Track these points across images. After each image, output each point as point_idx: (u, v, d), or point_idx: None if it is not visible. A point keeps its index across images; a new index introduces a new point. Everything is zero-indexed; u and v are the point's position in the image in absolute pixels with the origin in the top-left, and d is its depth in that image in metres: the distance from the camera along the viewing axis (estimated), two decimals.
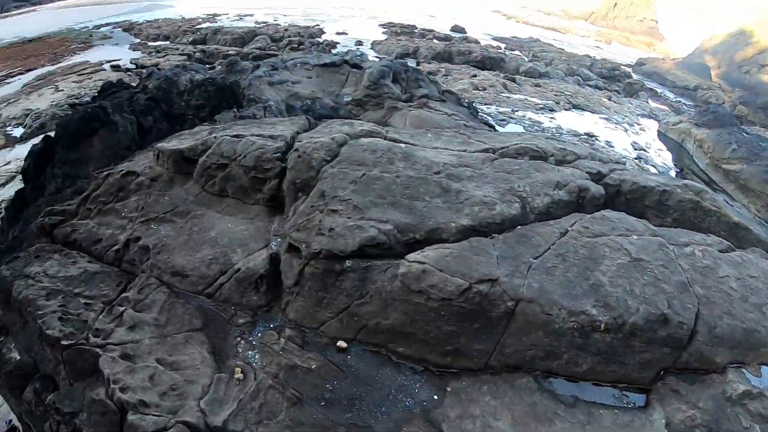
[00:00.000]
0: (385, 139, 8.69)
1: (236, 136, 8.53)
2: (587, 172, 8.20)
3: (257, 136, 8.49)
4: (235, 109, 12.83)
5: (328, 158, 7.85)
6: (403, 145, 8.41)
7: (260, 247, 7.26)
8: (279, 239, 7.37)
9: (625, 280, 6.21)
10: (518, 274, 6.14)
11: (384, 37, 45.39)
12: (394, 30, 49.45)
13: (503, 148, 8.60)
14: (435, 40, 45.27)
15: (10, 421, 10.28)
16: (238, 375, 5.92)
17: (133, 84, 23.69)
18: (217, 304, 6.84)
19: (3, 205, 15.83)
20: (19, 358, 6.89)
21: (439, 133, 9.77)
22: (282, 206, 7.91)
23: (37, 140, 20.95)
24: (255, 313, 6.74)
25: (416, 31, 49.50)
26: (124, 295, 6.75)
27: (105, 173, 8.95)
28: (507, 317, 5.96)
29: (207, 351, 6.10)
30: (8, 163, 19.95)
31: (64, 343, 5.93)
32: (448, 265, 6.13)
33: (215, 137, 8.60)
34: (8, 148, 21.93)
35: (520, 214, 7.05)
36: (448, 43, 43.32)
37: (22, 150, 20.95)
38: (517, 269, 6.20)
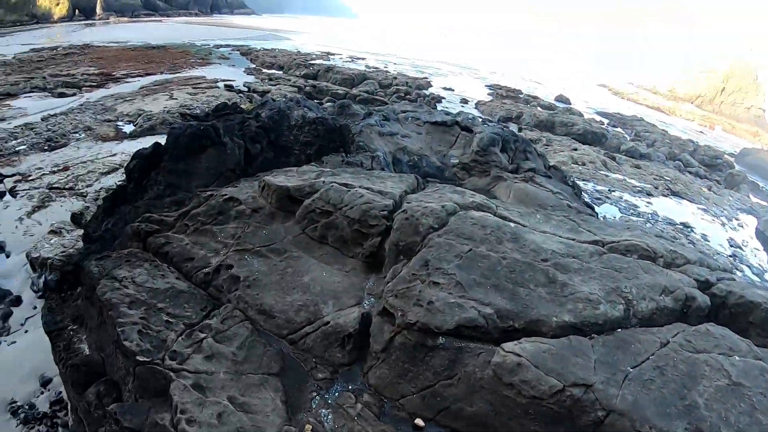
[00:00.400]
0: (494, 214, 8.38)
1: (345, 185, 8.48)
2: (695, 279, 7.62)
3: (366, 189, 8.39)
4: (343, 154, 12.90)
5: (436, 226, 7.61)
6: (512, 225, 8.07)
7: (352, 304, 6.97)
8: (372, 299, 7.07)
9: (722, 405, 5.57)
10: (613, 383, 5.62)
11: (489, 98, 44.97)
12: (500, 92, 49.39)
13: (613, 242, 8.10)
14: (539, 108, 44.17)
15: (44, 375, 10.25)
16: None
17: (242, 105, 25.14)
18: (299, 352, 6.54)
19: (102, 193, 16.52)
20: (88, 353, 6.89)
21: (549, 215, 9.32)
22: (380, 265, 7.66)
23: (145, 141, 22.48)
24: (335, 371, 6.38)
25: (521, 96, 49.12)
26: (206, 321, 6.56)
27: (208, 193, 9.07)
28: (594, 427, 5.42)
29: (280, 399, 5.77)
30: (114, 155, 20.97)
31: (139, 359, 5.76)
32: (544, 362, 5.69)
33: (323, 182, 8.58)
34: (116, 141, 23.13)
35: (623, 316, 6.57)
36: (551, 112, 42.37)
37: (129, 146, 22.20)
38: (613, 377, 5.70)
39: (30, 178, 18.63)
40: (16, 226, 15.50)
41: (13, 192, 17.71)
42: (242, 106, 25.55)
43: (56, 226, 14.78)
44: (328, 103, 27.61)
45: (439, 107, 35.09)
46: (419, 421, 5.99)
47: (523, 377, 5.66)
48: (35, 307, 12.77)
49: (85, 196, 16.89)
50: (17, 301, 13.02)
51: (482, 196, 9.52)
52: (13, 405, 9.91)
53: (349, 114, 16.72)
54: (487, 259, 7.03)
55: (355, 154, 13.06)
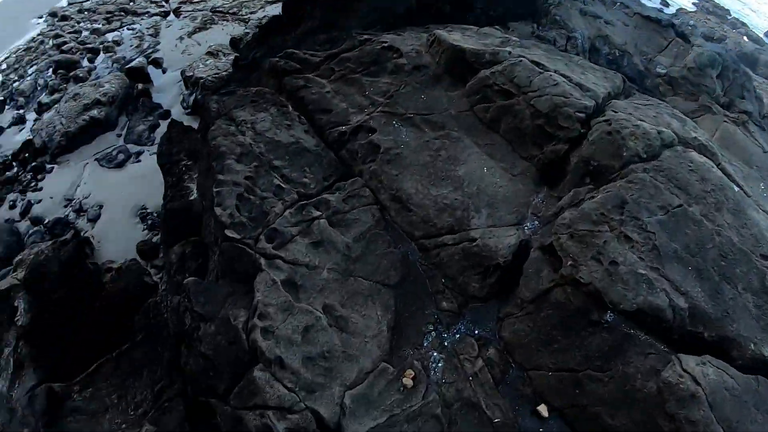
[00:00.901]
0: (717, 166, 5.74)
1: (537, 63, 6.10)
2: None
3: (563, 77, 5.94)
4: (533, 25, 10.26)
5: (644, 155, 5.22)
6: (736, 189, 5.52)
7: (510, 222, 5.00)
8: (537, 223, 5.06)
9: None
10: None
11: (693, 8, 37.18)
12: (706, 5, 40.72)
13: None
14: (745, 38, 36.29)
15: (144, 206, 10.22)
16: (407, 380, 4.05)
17: None
18: (427, 266, 4.83)
19: (264, 20, 15.39)
20: (193, 198, 5.77)
21: None
22: (558, 179, 5.50)
23: None
24: (465, 303, 4.65)
25: (728, 18, 40.24)
26: (326, 195, 4.96)
27: (365, 37, 7.14)
28: None
29: (387, 323, 4.25)
30: None
31: (228, 233, 4.34)
32: (722, 405, 3.87)
33: (509, 53, 6.28)
34: None
35: None
36: (758, 47, 34.55)
37: None
38: None
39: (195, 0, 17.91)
40: (176, 45, 14.96)
41: (177, 12, 17.12)
42: None
43: (214, 48, 13.95)
44: None
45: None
46: (543, 409, 4.28)
47: (691, 415, 3.83)
48: (182, 123, 12.36)
49: (247, 22, 15.83)
50: (166, 114, 12.66)
51: (707, 137, 6.66)
52: (144, 211, 10.00)
53: None
54: (698, 228, 4.75)
55: (548, 28, 10.28)
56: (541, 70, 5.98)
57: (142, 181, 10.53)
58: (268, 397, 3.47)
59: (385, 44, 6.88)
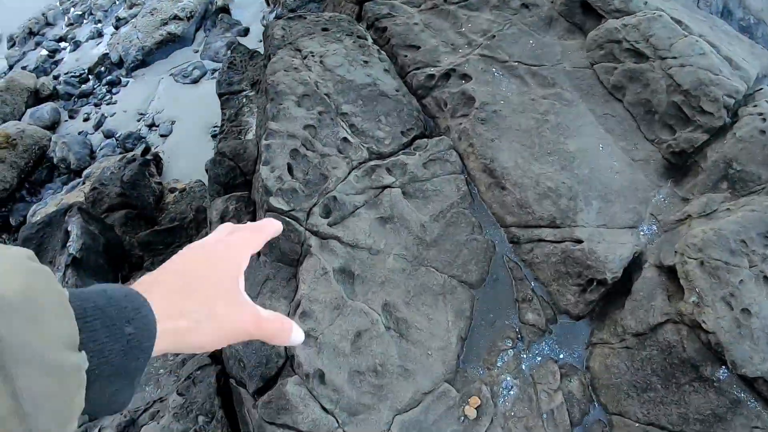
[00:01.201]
0: None
1: (679, 22, 4.64)
2: None
3: (711, 46, 4.43)
4: None
5: None
6: None
7: (625, 223, 3.75)
8: (655, 227, 3.81)
9: None
10: None
11: None
12: None
13: None
14: None
15: (216, 124, 9.63)
16: (470, 410, 3.12)
17: None
18: (515, 262, 3.72)
19: None
20: (249, 138, 4.90)
21: None
22: (686, 175, 4.17)
23: None
24: (554, 317, 3.55)
25: None
26: (401, 156, 3.84)
27: None
28: None
29: (458, 333, 3.23)
30: None
31: (273, 202, 3.32)
32: None
33: (646, 2, 4.84)
34: None
35: None
36: None
37: None
38: None
39: None
40: None
41: None
42: None
43: None
44: None
45: None
46: None
47: None
48: (260, 41, 11.57)
49: None
50: (245, 32, 11.84)
51: None
52: (215, 128, 9.47)
53: None
54: None
55: None
56: (685, 32, 4.50)
57: (216, 99, 10.05)
58: (301, 419, 2.66)
59: None
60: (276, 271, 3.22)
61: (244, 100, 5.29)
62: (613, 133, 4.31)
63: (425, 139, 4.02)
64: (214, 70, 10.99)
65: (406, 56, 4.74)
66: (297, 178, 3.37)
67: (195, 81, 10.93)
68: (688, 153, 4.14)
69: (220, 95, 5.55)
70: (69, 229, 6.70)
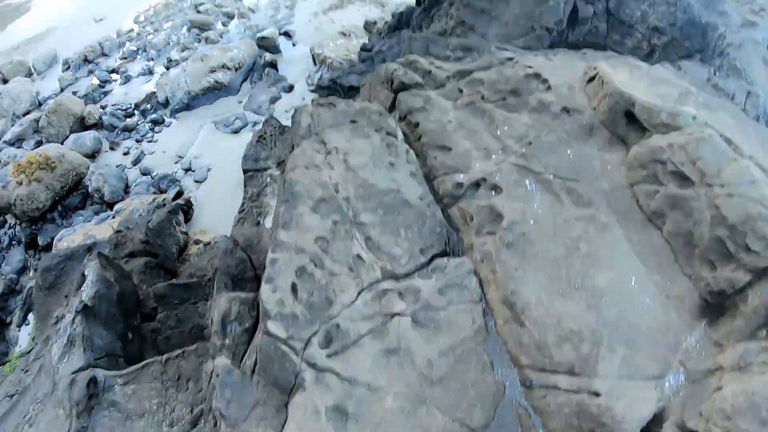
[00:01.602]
0: None
1: (729, 141, 4.21)
2: None
3: (762, 170, 4.04)
4: (710, 69, 7.95)
5: None
6: None
7: (650, 375, 3.35)
8: (682, 379, 3.37)
9: None
10: None
11: None
12: None
13: None
14: None
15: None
16: None
17: None
18: (527, 409, 3.29)
19: (402, 7, 14.03)
20: (267, 227, 4.64)
21: None
22: (725, 315, 3.73)
23: None
24: None
25: None
26: (417, 278, 3.48)
27: (506, 55, 5.60)
28: None
29: None
30: None
31: (271, 327, 3.04)
32: None
33: (695, 118, 4.43)
34: None
35: None
36: None
37: None
38: None
39: None
40: (309, 20, 14.10)
41: None
42: None
43: (347, 29, 12.86)
44: None
45: None
46: None
47: None
48: (303, 99, 11.58)
49: (385, 6, 14.58)
50: (290, 89, 11.91)
51: None
52: None
53: (718, 11, 10.86)
54: None
55: (724, 74, 7.99)
56: (736, 155, 4.10)
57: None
58: None
59: (530, 70, 5.31)
60: (268, 396, 2.92)
61: (269, 179, 5.10)
62: (648, 264, 3.91)
63: (445, 259, 3.69)
64: (255, 123, 11.01)
65: (435, 158, 4.49)
66: (300, 300, 3.09)
67: (235, 131, 10.96)
68: (728, 294, 3.72)
69: (245, 171, 5.38)
70: (86, 273, 6.55)
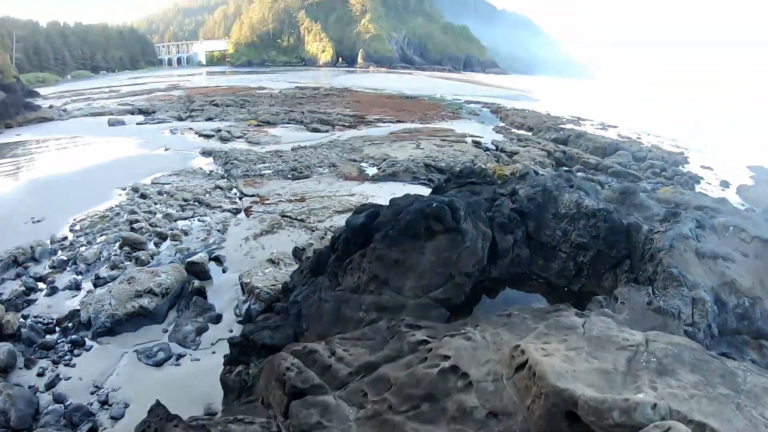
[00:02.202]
0: None
1: (702, 425, 3.80)
2: None
3: None
4: (648, 290, 7.35)
5: None
6: None
7: None
8: None
9: None
10: None
11: (752, 182, 32.62)
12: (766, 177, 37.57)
13: None
14: None
15: (211, 406, 9.16)
16: None
17: (489, 166, 22.35)
18: None
19: (329, 233, 15.10)
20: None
21: None
22: None
23: (386, 186, 20.98)
24: None
25: None
26: None
27: (417, 338, 5.58)
28: None
29: None
30: (352, 195, 20.03)
31: None
32: None
33: (654, 406, 3.92)
34: (357, 182, 22.38)
35: None
36: None
37: (368, 188, 21.34)
38: None
39: (267, 201, 18.56)
40: (240, 245, 15.04)
41: (248, 212, 17.65)
42: (489, 166, 23.14)
43: (276, 256, 13.77)
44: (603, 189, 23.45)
45: (697, 188, 27.25)
46: None
47: None
48: (231, 331, 11.71)
49: (314, 231, 15.83)
50: (217, 319, 12.09)
51: None
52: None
53: (635, 205, 10.21)
54: None
55: (662, 288, 7.26)
56: None
57: (176, 389, 9.52)
58: None
59: (446, 362, 5.01)
60: None
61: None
62: None
63: None
64: (179, 356, 10.87)
65: None
66: None
67: (158, 364, 10.74)
68: None
69: None
70: None
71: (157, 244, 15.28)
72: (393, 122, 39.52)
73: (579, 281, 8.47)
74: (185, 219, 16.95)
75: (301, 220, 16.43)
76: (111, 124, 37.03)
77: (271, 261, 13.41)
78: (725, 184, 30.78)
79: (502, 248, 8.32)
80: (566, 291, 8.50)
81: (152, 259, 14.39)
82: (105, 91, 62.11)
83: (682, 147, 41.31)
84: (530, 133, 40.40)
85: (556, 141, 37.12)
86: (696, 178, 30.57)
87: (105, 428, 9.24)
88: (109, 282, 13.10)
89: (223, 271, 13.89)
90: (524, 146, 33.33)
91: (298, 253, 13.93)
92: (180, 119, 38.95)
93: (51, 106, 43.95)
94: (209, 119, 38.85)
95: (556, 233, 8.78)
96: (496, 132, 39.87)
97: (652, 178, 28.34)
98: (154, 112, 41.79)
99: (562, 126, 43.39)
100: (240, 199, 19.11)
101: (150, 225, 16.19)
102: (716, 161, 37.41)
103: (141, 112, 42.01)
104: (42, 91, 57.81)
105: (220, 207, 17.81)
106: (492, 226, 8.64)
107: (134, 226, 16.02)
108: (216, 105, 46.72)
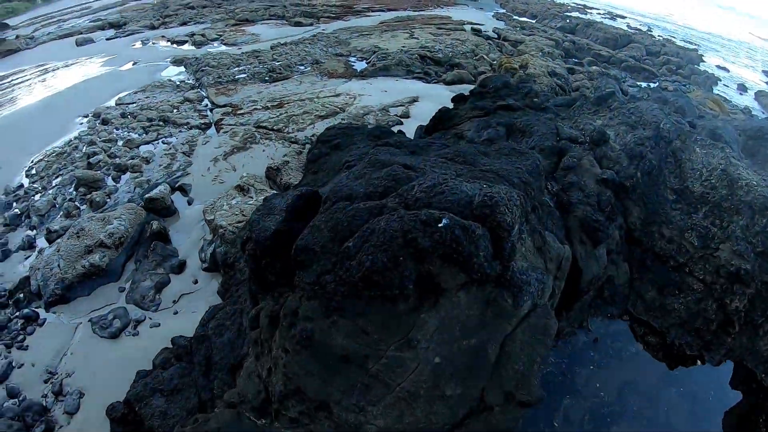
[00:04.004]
0: None
1: None
2: None
3: None
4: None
5: None
6: None
7: None
8: None
9: None
10: None
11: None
12: None
13: None
14: None
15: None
16: None
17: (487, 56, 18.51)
18: None
19: (311, 141, 11.81)
20: None
21: None
22: None
23: (375, 82, 17.47)
24: None
25: None
26: None
27: None
28: None
29: None
30: (338, 95, 15.95)
31: None
32: None
33: None
34: (344, 79, 18.13)
35: None
36: None
37: (356, 86, 17.32)
38: None
39: (240, 111, 14.76)
40: (209, 168, 11.85)
41: (218, 125, 14.05)
42: (493, 58, 19.35)
43: (245, 181, 10.64)
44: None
45: (715, 91, 23.94)
46: None
47: None
48: (196, 282, 9.03)
49: (292, 143, 12.45)
50: (180, 267, 9.41)
51: None
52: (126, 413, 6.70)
53: None
54: None
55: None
56: None
57: (132, 368, 7.35)
58: None
59: None
60: None
61: None
62: None
63: None
64: (138, 322, 8.33)
65: None
66: None
67: (114, 335, 8.38)
68: None
69: None
70: None
71: (115, 179, 12.25)
72: (384, 11, 33.98)
73: (722, 342, 4.17)
74: (148, 143, 13.66)
75: (278, 131, 12.98)
76: (79, 44, 32.16)
77: (240, 188, 10.32)
78: (743, 89, 26.96)
79: (587, 278, 3.68)
80: (692, 357, 4.40)
81: (109, 198, 11.44)
82: (77, 10, 55.60)
83: (696, 45, 36.60)
84: (534, 21, 35.85)
85: (563, 29, 33.00)
86: (713, 79, 26.61)
87: (61, 426, 7.34)
88: (62, 235, 10.31)
89: (189, 203, 10.97)
90: (529, 35, 28.95)
91: (271, 173, 10.73)
92: (153, 27, 33.79)
93: (17, 36, 38.78)
94: (183, 23, 33.62)
95: (684, 236, 4.22)
96: (497, 19, 34.86)
97: (669, 75, 25.31)
98: (125, 24, 36.44)
99: (568, 14, 38.57)
100: (211, 110, 15.53)
101: (109, 156, 13.04)
102: (733, 65, 32.99)
103: (112, 26, 36.70)
104: (12, 21, 51.76)
105: (188, 124, 14.34)
106: (567, 227, 3.83)
107: (91, 160, 12.90)
108: (191, 8, 40.82)
